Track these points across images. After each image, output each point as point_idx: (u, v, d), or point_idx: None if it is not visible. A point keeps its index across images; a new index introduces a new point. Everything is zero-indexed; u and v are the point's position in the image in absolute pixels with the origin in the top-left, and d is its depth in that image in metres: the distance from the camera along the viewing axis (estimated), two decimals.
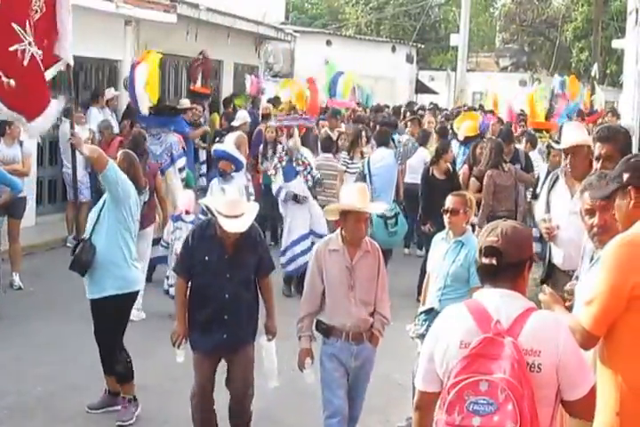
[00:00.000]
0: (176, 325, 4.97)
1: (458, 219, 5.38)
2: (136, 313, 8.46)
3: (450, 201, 5.50)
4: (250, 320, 4.98)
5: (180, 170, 10.17)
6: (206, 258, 4.81)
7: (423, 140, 11.03)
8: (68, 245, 10.60)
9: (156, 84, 10.48)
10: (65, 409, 5.74)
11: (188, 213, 8.19)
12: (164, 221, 8.63)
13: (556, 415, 2.86)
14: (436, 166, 9.07)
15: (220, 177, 8.58)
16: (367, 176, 9.51)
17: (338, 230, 4.87)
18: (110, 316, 5.53)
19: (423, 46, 32.53)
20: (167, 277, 8.28)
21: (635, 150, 9.90)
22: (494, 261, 2.84)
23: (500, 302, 2.81)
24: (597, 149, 4.17)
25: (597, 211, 3.48)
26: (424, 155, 10.38)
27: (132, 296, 5.67)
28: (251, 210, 4.85)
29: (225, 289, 4.81)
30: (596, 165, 4.15)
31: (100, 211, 5.49)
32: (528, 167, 9.91)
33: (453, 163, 9.77)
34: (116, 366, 5.63)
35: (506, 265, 2.85)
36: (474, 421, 2.64)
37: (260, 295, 5.06)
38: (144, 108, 10.28)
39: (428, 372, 2.91)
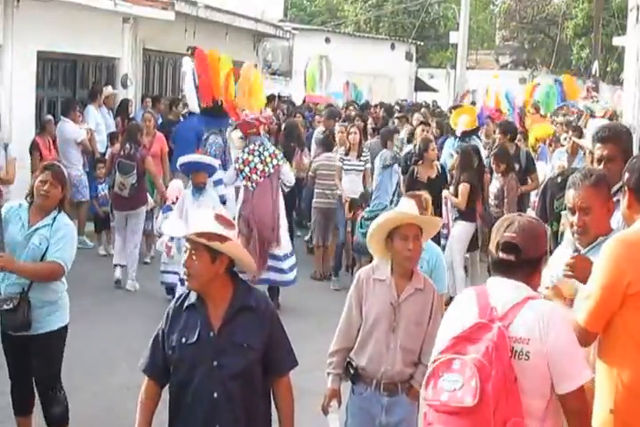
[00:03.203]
0: None
1: None
2: (130, 283, 8.94)
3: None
4: None
5: (215, 183, 9.01)
6: (183, 340, 3.31)
7: (410, 137, 10.92)
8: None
9: (233, 86, 9.44)
10: None
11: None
12: (161, 200, 9.13)
13: (551, 409, 2.87)
14: (421, 166, 8.90)
15: (195, 189, 7.93)
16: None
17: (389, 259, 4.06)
18: (54, 350, 4.87)
19: (422, 44, 32.49)
20: (163, 264, 8.39)
21: (635, 149, 9.84)
22: (512, 258, 2.91)
23: (503, 290, 2.91)
24: (599, 150, 4.05)
25: (577, 211, 3.48)
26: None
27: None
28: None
29: (212, 385, 3.28)
30: (598, 167, 4.07)
31: (43, 258, 4.68)
32: (529, 169, 9.39)
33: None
34: (55, 407, 4.86)
35: (523, 261, 2.91)
36: (442, 396, 2.77)
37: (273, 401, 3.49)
38: (194, 108, 9.86)
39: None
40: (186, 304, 3.38)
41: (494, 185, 8.45)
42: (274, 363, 3.40)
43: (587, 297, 3.02)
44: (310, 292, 9.07)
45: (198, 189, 7.87)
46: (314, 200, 9.75)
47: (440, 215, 8.87)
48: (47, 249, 4.67)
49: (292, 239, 11.03)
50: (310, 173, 9.76)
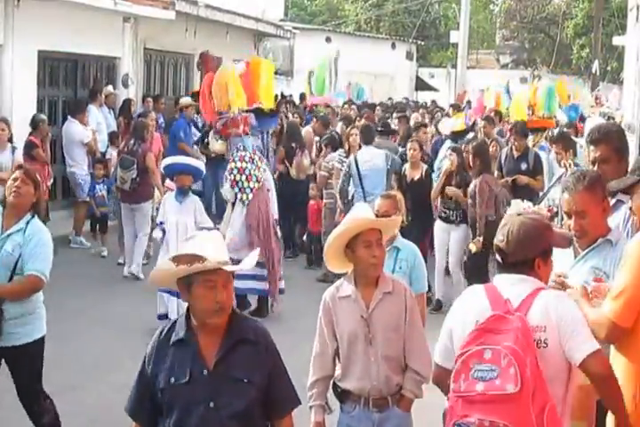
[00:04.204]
0: None
1: None
2: (135, 267, 9.13)
3: (380, 204, 4.90)
4: None
5: None
6: (172, 380, 2.93)
7: (408, 136, 10.80)
8: (72, 245, 10.64)
9: (271, 91, 9.31)
10: (65, 408, 5.67)
11: None
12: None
13: (567, 396, 2.94)
14: (408, 167, 8.78)
15: (179, 193, 7.53)
16: (356, 177, 8.83)
17: (350, 272, 3.83)
18: (34, 362, 4.71)
19: (423, 43, 32.52)
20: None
21: (635, 148, 9.79)
22: (501, 260, 3.05)
23: (511, 284, 3.00)
24: (592, 152, 4.06)
25: (573, 216, 3.49)
26: None
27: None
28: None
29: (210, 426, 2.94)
30: (593, 168, 4.08)
31: (14, 272, 4.55)
32: (537, 169, 9.22)
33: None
34: (43, 417, 4.75)
35: (512, 263, 3.02)
36: (477, 386, 2.78)
37: None
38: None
39: (446, 348, 3.10)
40: (173, 339, 2.97)
41: (471, 185, 8.33)
42: (273, 404, 3.04)
43: (617, 295, 3.03)
44: (310, 294, 8.99)
45: (182, 192, 7.48)
46: (325, 201, 9.63)
47: (426, 219, 8.80)
48: (20, 257, 4.50)
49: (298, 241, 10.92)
50: (323, 173, 9.50)
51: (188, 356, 2.93)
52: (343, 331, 3.75)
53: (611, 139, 4.06)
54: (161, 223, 7.55)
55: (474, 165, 8.15)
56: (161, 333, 3.04)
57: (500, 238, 3.04)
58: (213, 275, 2.88)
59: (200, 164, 7.84)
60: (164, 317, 7.28)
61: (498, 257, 3.06)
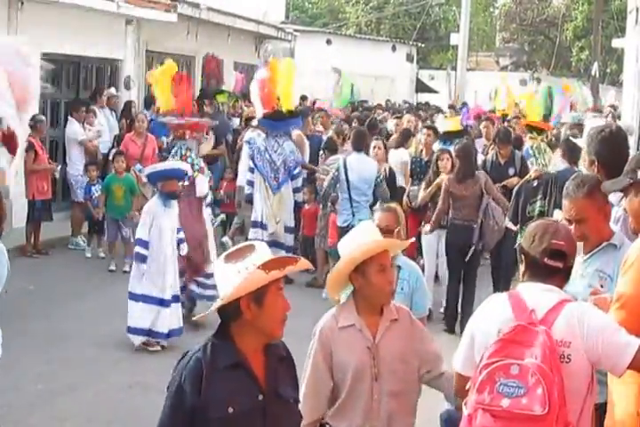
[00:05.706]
0: None
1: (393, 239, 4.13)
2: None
3: (381, 218, 4.43)
4: None
5: (297, 190, 9.44)
6: (230, 409, 2.63)
7: (403, 140, 10.73)
8: (69, 246, 10.66)
9: (289, 92, 9.70)
10: (64, 407, 5.75)
11: None
12: None
13: (586, 408, 2.88)
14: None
15: (167, 198, 7.09)
16: (344, 183, 8.41)
17: (347, 298, 3.42)
18: None
19: (423, 45, 32.56)
20: None
21: (634, 149, 9.83)
22: (561, 265, 2.94)
23: (538, 294, 2.90)
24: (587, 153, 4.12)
25: (574, 222, 3.48)
26: (402, 155, 9.95)
27: None
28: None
29: None
30: (588, 169, 4.11)
31: None
32: (525, 171, 9.03)
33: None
34: None
35: (567, 268, 2.98)
36: (503, 402, 2.71)
37: None
38: (259, 112, 9.74)
39: (467, 357, 3.00)
40: (224, 364, 2.65)
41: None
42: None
43: (621, 305, 2.99)
44: (306, 296, 8.99)
45: (170, 198, 7.08)
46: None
47: None
48: None
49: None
50: (324, 177, 9.27)
51: (243, 381, 2.67)
52: (346, 365, 3.30)
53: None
54: (143, 242, 6.98)
55: (457, 166, 8.04)
56: (201, 358, 2.66)
57: (560, 243, 2.91)
58: (281, 281, 2.70)
59: (182, 165, 7.47)
60: (143, 331, 6.84)
61: (554, 263, 2.91)
